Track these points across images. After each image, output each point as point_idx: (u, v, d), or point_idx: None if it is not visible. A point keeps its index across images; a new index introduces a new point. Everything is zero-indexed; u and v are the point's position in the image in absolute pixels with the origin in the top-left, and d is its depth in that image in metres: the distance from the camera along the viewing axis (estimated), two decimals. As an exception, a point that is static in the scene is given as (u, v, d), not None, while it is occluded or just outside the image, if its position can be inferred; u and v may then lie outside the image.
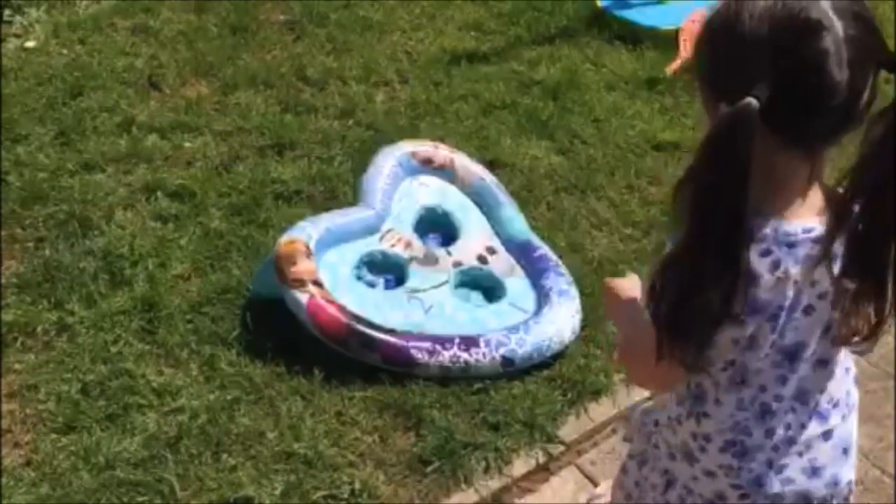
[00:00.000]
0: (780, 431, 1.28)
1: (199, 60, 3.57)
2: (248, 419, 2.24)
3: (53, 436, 2.18)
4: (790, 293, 1.17)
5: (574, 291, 2.52)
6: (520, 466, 2.21)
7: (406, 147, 2.84)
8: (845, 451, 1.35)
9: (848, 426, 1.34)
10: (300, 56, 3.63)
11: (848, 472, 1.37)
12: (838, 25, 1.05)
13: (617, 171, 3.08)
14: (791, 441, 1.29)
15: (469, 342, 2.35)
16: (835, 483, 1.35)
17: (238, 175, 3.00)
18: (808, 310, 1.20)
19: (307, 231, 2.52)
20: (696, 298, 1.13)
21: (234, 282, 2.58)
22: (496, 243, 2.69)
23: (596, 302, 2.52)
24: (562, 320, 2.43)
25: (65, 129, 3.16)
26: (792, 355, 1.23)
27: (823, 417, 1.30)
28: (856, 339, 1.22)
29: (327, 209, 2.75)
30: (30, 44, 3.69)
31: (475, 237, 2.70)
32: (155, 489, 2.07)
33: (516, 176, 3.02)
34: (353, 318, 2.36)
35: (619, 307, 1.43)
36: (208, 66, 3.54)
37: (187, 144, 3.14)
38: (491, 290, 2.59)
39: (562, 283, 2.53)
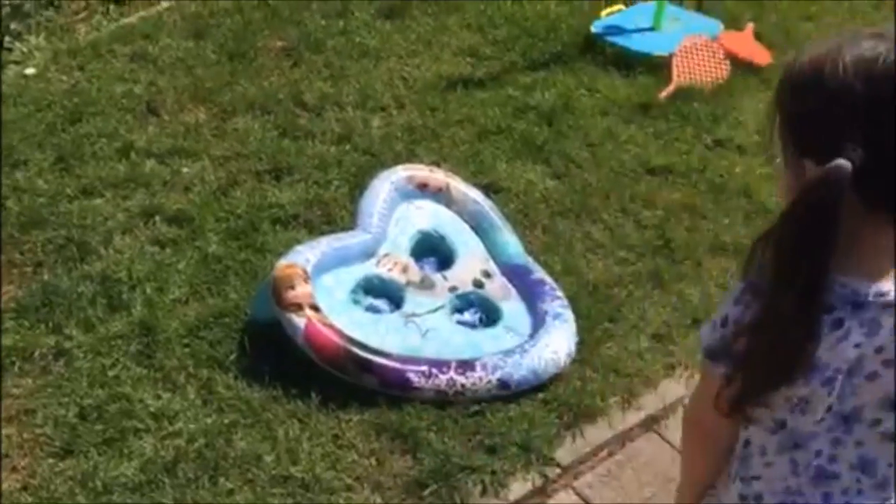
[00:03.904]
0: (838, 497, 1.20)
1: (198, 86, 3.60)
2: (246, 443, 2.24)
3: (51, 460, 2.19)
4: (851, 356, 1.08)
5: (570, 315, 2.54)
6: (516, 489, 2.21)
7: (402, 172, 2.87)
8: None
9: None
10: (298, 82, 3.67)
11: None
12: None
13: (611, 195, 3.10)
14: None
15: (465, 366, 2.36)
16: None
17: (236, 200, 3.02)
18: (873, 376, 1.11)
19: (304, 255, 2.54)
20: (770, 353, 1.09)
21: (231, 306, 2.59)
22: (492, 267, 2.71)
23: (591, 325, 2.54)
24: (557, 343, 2.45)
25: (64, 154, 3.19)
26: (847, 418, 1.14)
27: (885, 488, 1.21)
28: None
29: (324, 233, 2.78)
30: (29, 70, 3.72)
31: (471, 261, 2.72)
32: (152, 513, 2.08)
33: (512, 200, 3.05)
34: (350, 341, 2.37)
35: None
36: (206, 92, 3.57)
37: (185, 170, 3.17)
38: (487, 314, 2.61)
39: (557, 307, 2.54)
